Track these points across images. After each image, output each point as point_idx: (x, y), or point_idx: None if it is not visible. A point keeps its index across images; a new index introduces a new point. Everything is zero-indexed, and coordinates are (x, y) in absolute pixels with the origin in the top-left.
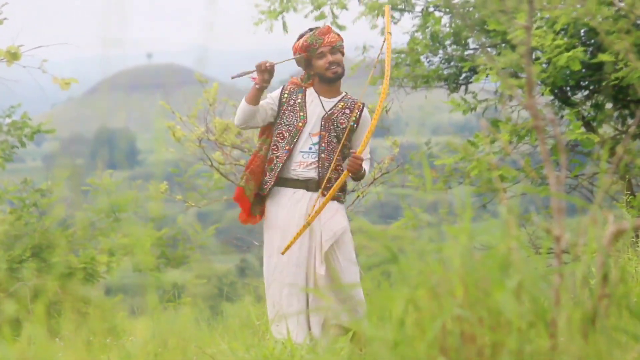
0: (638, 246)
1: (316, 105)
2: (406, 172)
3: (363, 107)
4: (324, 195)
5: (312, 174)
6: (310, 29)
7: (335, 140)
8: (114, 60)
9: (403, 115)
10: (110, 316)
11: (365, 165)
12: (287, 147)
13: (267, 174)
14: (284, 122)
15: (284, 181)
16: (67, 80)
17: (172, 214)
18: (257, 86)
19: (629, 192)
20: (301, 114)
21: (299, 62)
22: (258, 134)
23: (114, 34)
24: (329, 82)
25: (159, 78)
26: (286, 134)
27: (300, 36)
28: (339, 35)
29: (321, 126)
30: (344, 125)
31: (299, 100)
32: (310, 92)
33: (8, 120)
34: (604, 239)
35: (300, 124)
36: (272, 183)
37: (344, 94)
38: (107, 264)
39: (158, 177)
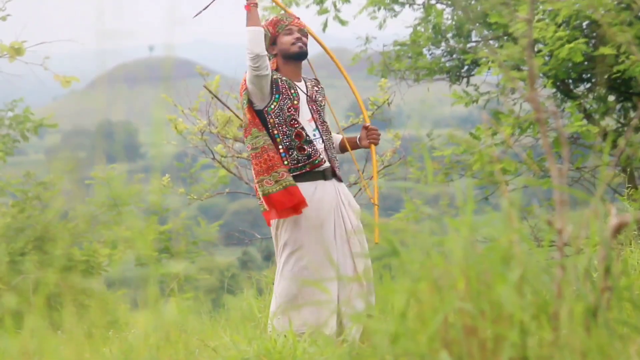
0: None
1: (297, 91)
2: (408, 165)
3: (318, 81)
4: (339, 178)
5: (325, 160)
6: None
7: (323, 118)
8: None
9: (405, 108)
10: (112, 309)
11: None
12: (302, 141)
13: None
14: (281, 102)
15: (312, 175)
16: (68, 78)
17: (175, 208)
18: (253, 5)
19: (630, 185)
20: (292, 91)
21: (265, 39)
22: (244, 132)
23: (114, 27)
24: (295, 58)
25: (161, 71)
26: (301, 125)
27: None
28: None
29: (310, 110)
30: (323, 103)
31: (292, 91)
32: (283, 80)
33: (10, 114)
34: (606, 232)
35: (296, 102)
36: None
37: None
38: (108, 257)
39: (158, 170)
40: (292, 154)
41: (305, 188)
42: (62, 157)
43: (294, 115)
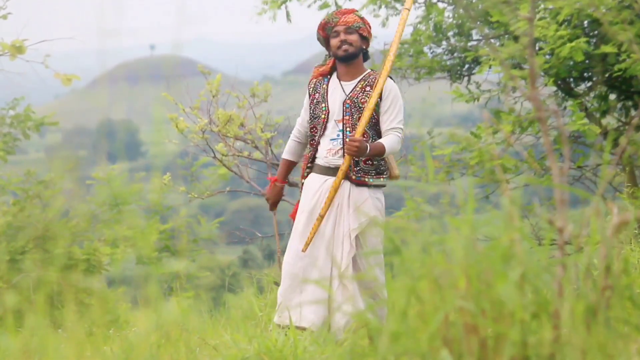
0: None
1: (337, 92)
2: (409, 163)
3: (385, 79)
4: (355, 180)
5: (341, 161)
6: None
7: (354, 123)
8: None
9: (406, 107)
10: (113, 307)
11: (394, 136)
12: (316, 140)
13: (304, 169)
14: (313, 116)
15: (317, 168)
16: (69, 76)
17: (175, 206)
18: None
19: (631, 184)
20: (323, 105)
21: (319, 40)
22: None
23: (115, 26)
24: (342, 61)
25: (162, 69)
26: (317, 128)
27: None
28: (362, 18)
29: (343, 111)
30: (365, 104)
31: (322, 92)
32: (333, 80)
33: (12, 113)
34: (607, 230)
35: (323, 116)
36: (307, 171)
37: (366, 72)
38: (110, 256)
39: (158, 168)
40: (309, 148)
41: (315, 179)
42: (63, 156)
43: (315, 113)
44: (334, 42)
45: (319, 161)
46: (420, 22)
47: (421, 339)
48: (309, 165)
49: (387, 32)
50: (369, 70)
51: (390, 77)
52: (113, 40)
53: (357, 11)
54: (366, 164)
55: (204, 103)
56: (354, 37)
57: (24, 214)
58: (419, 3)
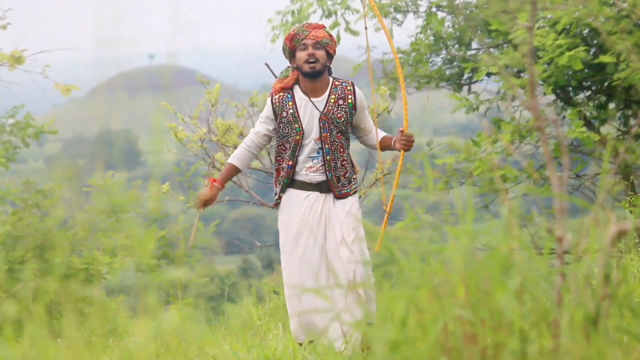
0: None
1: (309, 109)
2: (408, 173)
3: (354, 88)
4: (338, 195)
5: (322, 177)
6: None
7: (339, 134)
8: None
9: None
10: (112, 317)
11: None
12: (289, 162)
13: (276, 185)
14: (282, 134)
15: (298, 184)
16: (68, 87)
17: (174, 214)
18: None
19: (632, 193)
20: (296, 125)
21: (284, 50)
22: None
23: (113, 35)
24: (307, 77)
25: (161, 79)
26: (287, 146)
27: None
28: (330, 35)
29: (320, 128)
30: (343, 119)
31: (291, 111)
32: (299, 95)
33: (11, 121)
34: (606, 240)
35: (298, 137)
36: (280, 194)
37: (330, 82)
38: (108, 265)
39: (157, 177)
40: (280, 164)
41: (297, 194)
42: (62, 165)
43: (285, 132)
44: (301, 55)
45: (300, 177)
46: (420, 32)
47: (420, 348)
48: (285, 181)
49: (385, 43)
50: (332, 80)
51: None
52: (112, 50)
53: (326, 28)
54: (345, 178)
55: (203, 112)
56: (321, 53)
57: (23, 223)
58: (419, 13)
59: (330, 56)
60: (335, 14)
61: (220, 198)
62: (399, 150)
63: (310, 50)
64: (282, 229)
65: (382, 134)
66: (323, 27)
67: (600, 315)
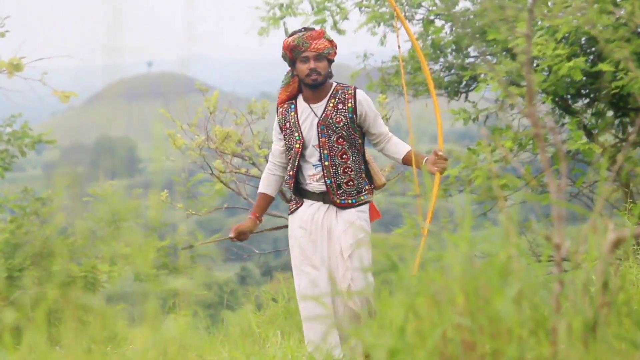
0: (639, 254)
1: (308, 116)
2: (407, 180)
3: (355, 92)
4: (339, 204)
5: (323, 186)
6: (305, 29)
7: (341, 140)
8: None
9: (404, 124)
10: (111, 324)
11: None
12: (290, 172)
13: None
14: (288, 146)
15: (303, 193)
16: (66, 94)
17: (173, 222)
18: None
19: (631, 200)
20: (296, 134)
21: (284, 57)
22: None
23: (113, 43)
24: (309, 88)
25: (160, 86)
26: (290, 156)
27: (293, 33)
28: (331, 41)
29: (318, 134)
30: (342, 123)
31: (293, 120)
32: (301, 104)
33: (9, 130)
34: (605, 247)
35: (298, 146)
36: (295, 204)
37: (332, 88)
38: (108, 273)
39: (157, 186)
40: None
41: (304, 204)
42: (61, 173)
43: (290, 144)
44: (303, 67)
45: (305, 187)
46: (418, 39)
47: (419, 355)
48: (293, 191)
49: (382, 50)
50: (335, 85)
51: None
52: (110, 58)
53: (325, 33)
54: (348, 186)
55: (201, 120)
56: (323, 65)
57: (22, 231)
58: (417, 20)
59: (330, 62)
60: (324, 11)
61: (218, 205)
62: (431, 173)
63: (312, 64)
64: (290, 237)
65: (406, 147)
66: (323, 34)
67: (598, 323)
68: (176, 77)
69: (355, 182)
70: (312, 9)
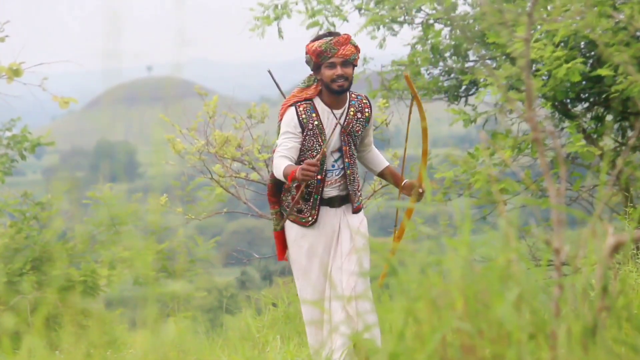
0: (638, 258)
1: (331, 121)
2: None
3: (369, 102)
4: (355, 209)
5: (338, 191)
6: (330, 34)
7: (354, 147)
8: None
9: (403, 128)
10: (110, 329)
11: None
12: (318, 177)
13: (303, 203)
14: (307, 148)
15: (321, 200)
16: (66, 99)
17: (173, 227)
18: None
19: (631, 205)
20: (321, 137)
21: (308, 62)
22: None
23: (113, 47)
24: (334, 94)
25: (159, 91)
26: (303, 159)
27: (317, 38)
28: (356, 47)
29: (341, 141)
30: (360, 132)
31: (316, 122)
32: (321, 107)
33: (8, 134)
34: (604, 251)
35: (325, 149)
36: (315, 212)
37: (351, 96)
38: (107, 277)
39: (157, 190)
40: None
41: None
42: (61, 177)
43: (309, 145)
44: (329, 73)
45: (323, 193)
46: (417, 43)
47: (419, 359)
48: (315, 197)
49: (382, 54)
50: (350, 92)
51: (368, 99)
52: (110, 62)
53: (352, 39)
54: (359, 191)
55: (201, 124)
56: (349, 71)
57: (21, 235)
58: (416, 24)
59: (354, 67)
60: (319, 14)
61: (218, 210)
62: (407, 195)
63: (339, 70)
64: (294, 243)
65: (384, 162)
66: (349, 39)
67: (598, 327)
68: (175, 81)
69: (360, 186)
70: (307, 10)
